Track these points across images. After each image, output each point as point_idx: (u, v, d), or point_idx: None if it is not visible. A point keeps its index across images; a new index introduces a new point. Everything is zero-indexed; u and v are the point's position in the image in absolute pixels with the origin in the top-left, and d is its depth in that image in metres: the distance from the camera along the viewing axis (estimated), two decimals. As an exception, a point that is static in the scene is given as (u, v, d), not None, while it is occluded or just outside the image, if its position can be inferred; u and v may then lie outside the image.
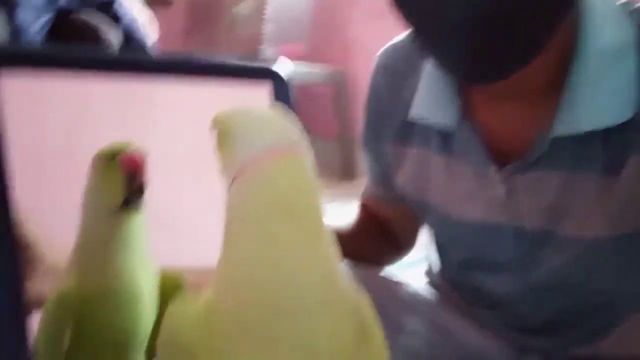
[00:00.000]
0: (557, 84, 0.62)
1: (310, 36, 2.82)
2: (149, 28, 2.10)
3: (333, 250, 0.34)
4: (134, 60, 0.46)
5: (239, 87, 0.47)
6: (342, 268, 0.35)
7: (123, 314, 0.43)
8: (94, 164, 0.42)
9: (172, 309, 0.35)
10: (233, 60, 0.47)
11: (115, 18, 1.82)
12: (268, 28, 2.63)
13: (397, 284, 0.84)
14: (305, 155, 0.35)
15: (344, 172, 2.80)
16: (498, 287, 0.74)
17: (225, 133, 0.36)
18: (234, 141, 0.35)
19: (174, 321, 0.34)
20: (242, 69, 0.47)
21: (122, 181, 0.42)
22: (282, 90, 0.47)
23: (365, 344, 0.35)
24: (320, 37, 2.82)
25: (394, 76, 0.78)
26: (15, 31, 1.66)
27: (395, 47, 0.81)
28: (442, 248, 0.84)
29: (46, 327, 0.41)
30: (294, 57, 2.77)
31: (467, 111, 0.69)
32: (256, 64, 0.48)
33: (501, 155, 0.67)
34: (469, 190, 0.71)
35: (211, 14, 2.80)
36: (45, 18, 1.80)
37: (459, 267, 0.79)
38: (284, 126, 0.36)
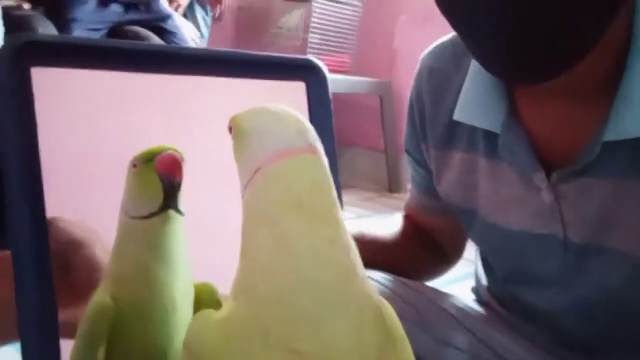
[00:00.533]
0: (609, 84, 0.59)
1: (356, 47, 2.82)
2: (198, 43, 2.14)
3: (353, 252, 0.33)
4: (166, 53, 0.45)
5: (276, 81, 0.46)
6: (363, 271, 0.34)
7: (156, 327, 0.42)
8: (131, 167, 0.42)
9: (196, 317, 0.35)
10: (270, 54, 0.46)
11: (165, 35, 1.85)
12: (313, 39, 2.65)
13: (444, 295, 0.82)
14: (321, 156, 0.35)
15: (390, 184, 2.79)
16: (545, 302, 0.71)
17: (241, 134, 0.36)
18: (249, 142, 0.35)
19: (194, 328, 0.34)
20: (279, 62, 0.46)
21: (159, 184, 0.41)
22: (320, 85, 0.46)
23: (389, 352, 0.33)
24: (366, 48, 2.82)
25: (439, 78, 0.76)
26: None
27: (440, 48, 0.79)
28: (487, 261, 0.81)
29: (83, 338, 0.40)
30: (339, 68, 2.80)
31: (513, 113, 0.66)
32: (294, 57, 0.47)
33: (548, 161, 0.64)
34: (515, 197, 0.68)
35: (258, 26, 2.83)
36: (99, 33, 1.84)
37: (505, 281, 0.77)
38: (300, 127, 0.35)
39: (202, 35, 2.42)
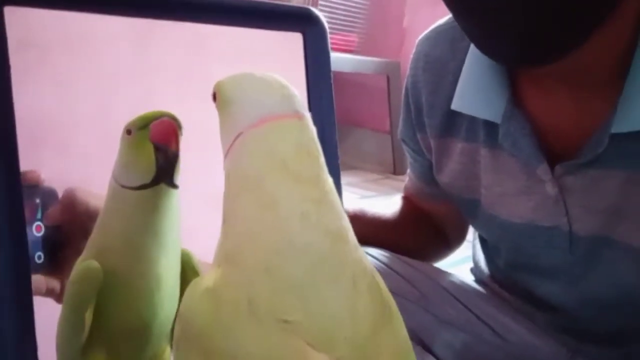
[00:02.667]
0: (617, 75, 0.56)
1: (365, 26, 2.78)
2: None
3: (344, 217, 0.31)
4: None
5: (272, 32, 0.43)
6: (355, 238, 0.31)
7: (139, 302, 0.40)
8: (124, 134, 0.39)
9: (189, 286, 0.32)
10: (265, 2, 0.43)
11: None
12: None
13: (444, 273, 0.80)
14: (308, 122, 0.32)
15: (395, 166, 2.76)
16: (550, 294, 0.69)
17: (224, 100, 0.34)
18: (232, 109, 0.33)
19: (186, 298, 0.31)
20: (274, 10, 0.43)
21: (152, 154, 0.39)
22: (318, 37, 0.43)
23: (384, 326, 0.30)
24: (375, 27, 2.78)
25: (436, 65, 0.73)
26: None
27: (436, 32, 0.75)
28: (489, 248, 0.79)
29: (70, 300, 0.38)
30: (347, 48, 2.76)
31: (516, 102, 0.63)
32: (290, 6, 0.44)
33: (553, 151, 0.62)
34: (517, 189, 0.65)
35: None
36: None
37: (508, 268, 0.75)
38: (285, 92, 0.33)
39: None
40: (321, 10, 2.56)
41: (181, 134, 0.39)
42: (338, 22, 2.67)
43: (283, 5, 0.43)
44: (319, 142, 0.33)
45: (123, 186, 0.39)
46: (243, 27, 0.42)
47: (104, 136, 0.40)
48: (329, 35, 0.43)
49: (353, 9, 2.72)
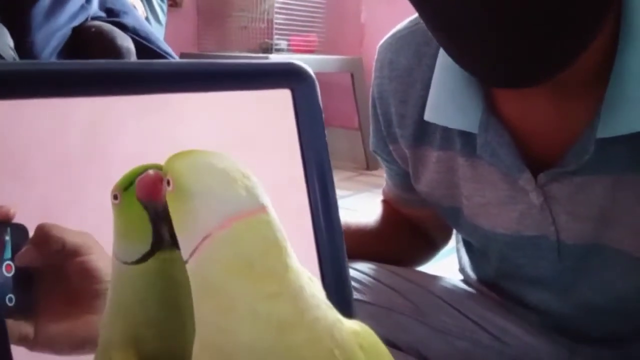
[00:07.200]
0: (598, 79, 0.54)
1: (323, 25, 2.77)
2: (156, 32, 2.06)
3: (302, 300, 0.30)
4: (141, 70, 0.39)
5: (260, 91, 0.42)
6: (319, 311, 0.31)
7: None
8: (112, 201, 0.35)
9: None
10: (251, 64, 0.42)
11: (123, 26, 1.76)
12: (279, 19, 2.59)
13: (434, 279, 0.78)
14: (272, 214, 0.32)
15: (368, 162, 2.76)
16: (541, 301, 0.68)
17: (184, 192, 0.32)
18: (195, 205, 0.31)
19: None
20: (259, 70, 0.41)
21: (145, 215, 0.34)
22: (307, 92, 0.42)
23: None
24: (333, 25, 2.77)
25: (401, 73, 0.69)
26: (29, 53, 1.61)
27: (397, 38, 0.71)
28: (476, 254, 0.77)
29: None
30: (307, 48, 2.75)
31: (492, 110, 0.60)
32: (275, 63, 0.42)
33: (535, 159, 0.59)
34: (500, 199, 0.63)
35: (220, 9, 2.76)
36: (62, 37, 1.74)
37: (496, 276, 0.73)
38: (248, 184, 0.32)
39: (159, 22, 2.31)
40: (277, 13, 2.55)
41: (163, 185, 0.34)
42: (297, 23, 2.65)
43: (268, 64, 0.42)
44: (319, 201, 0.32)
45: (125, 263, 0.35)
46: (232, 91, 0.41)
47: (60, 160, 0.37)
48: (318, 90, 0.42)
49: (310, 9, 2.70)
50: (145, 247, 0.35)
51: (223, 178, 0.32)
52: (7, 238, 0.35)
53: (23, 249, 0.36)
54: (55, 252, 0.36)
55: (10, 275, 0.35)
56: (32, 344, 0.36)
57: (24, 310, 0.36)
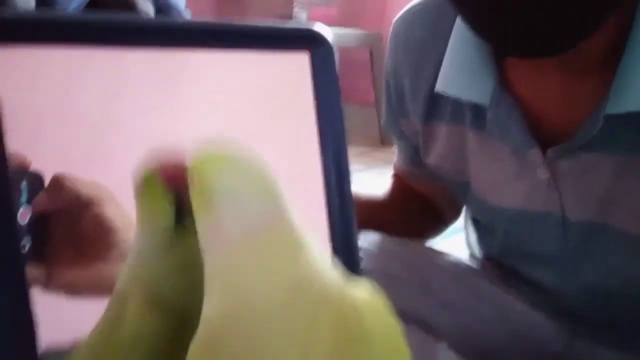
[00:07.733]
0: (611, 58, 0.54)
1: (344, -1, 2.75)
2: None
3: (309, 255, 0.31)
4: (158, 28, 0.40)
5: (278, 54, 0.42)
6: (325, 274, 0.31)
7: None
8: (136, 189, 0.37)
9: None
10: (268, 25, 0.41)
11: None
12: (300, -8, 2.57)
13: (441, 254, 0.79)
14: (292, 222, 0.32)
15: (382, 138, 2.76)
16: (544, 280, 0.69)
17: (211, 196, 0.32)
18: (223, 210, 0.31)
19: None
20: (277, 32, 0.41)
21: (168, 196, 0.37)
22: (325, 56, 0.42)
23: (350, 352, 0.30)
24: (355, 0, 2.75)
25: (417, 47, 0.70)
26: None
27: (412, 13, 0.72)
28: (482, 230, 0.78)
29: None
30: (327, 21, 2.73)
31: (503, 84, 0.61)
32: (296, 27, 0.42)
33: (544, 135, 0.60)
34: (508, 174, 0.64)
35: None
36: None
37: (502, 253, 0.74)
38: (270, 189, 0.32)
39: None
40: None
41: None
42: (317, -5, 2.64)
43: (287, 26, 0.42)
44: (333, 167, 0.32)
45: (151, 240, 0.37)
46: (249, 51, 0.41)
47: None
48: (337, 56, 0.42)
49: (331, -19, 2.68)
50: (169, 224, 0.36)
51: (250, 182, 0.32)
52: (24, 185, 0.36)
53: (38, 196, 0.37)
54: (69, 202, 0.37)
55: (26, 222, 0.36)
56: (44, 287, 0.37)
57: (37, 257, 0.37)
